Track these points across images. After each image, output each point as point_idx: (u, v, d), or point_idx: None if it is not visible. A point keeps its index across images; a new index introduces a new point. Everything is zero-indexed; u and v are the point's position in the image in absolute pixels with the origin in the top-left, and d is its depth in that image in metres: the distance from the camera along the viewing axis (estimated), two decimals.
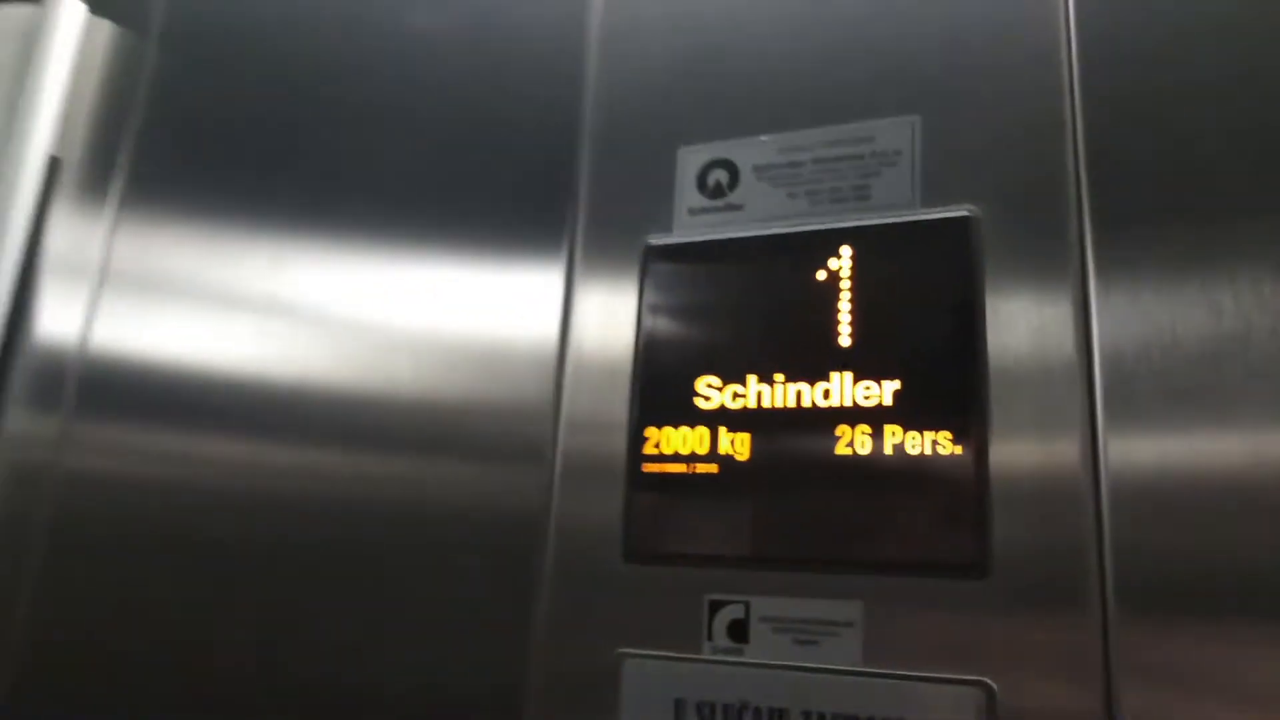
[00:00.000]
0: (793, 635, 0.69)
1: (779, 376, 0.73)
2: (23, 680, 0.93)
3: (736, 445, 0.73)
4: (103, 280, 1.03)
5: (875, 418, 0.70)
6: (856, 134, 0.77)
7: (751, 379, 0.74)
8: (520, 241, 0.88)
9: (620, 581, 0.75)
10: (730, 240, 0.79)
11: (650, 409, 0.77)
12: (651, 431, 0.76)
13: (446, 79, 0.96)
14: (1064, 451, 0.65)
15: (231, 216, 1.01)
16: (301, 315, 0.94)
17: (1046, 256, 0.69)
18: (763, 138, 0.80)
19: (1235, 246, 0.65)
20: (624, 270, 0.82)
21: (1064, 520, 0.64)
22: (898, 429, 0.69)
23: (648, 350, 0.79)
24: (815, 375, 0.72)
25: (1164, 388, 0.64)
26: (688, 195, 0.81)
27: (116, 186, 1.06)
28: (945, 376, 0.69)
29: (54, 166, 1.05)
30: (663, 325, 0.79)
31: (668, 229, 0.81)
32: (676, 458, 0.75)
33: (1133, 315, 0.66)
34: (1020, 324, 0.69)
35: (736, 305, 0.77)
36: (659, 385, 0.77)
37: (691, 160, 0.82)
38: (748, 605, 0.71)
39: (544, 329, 0.84)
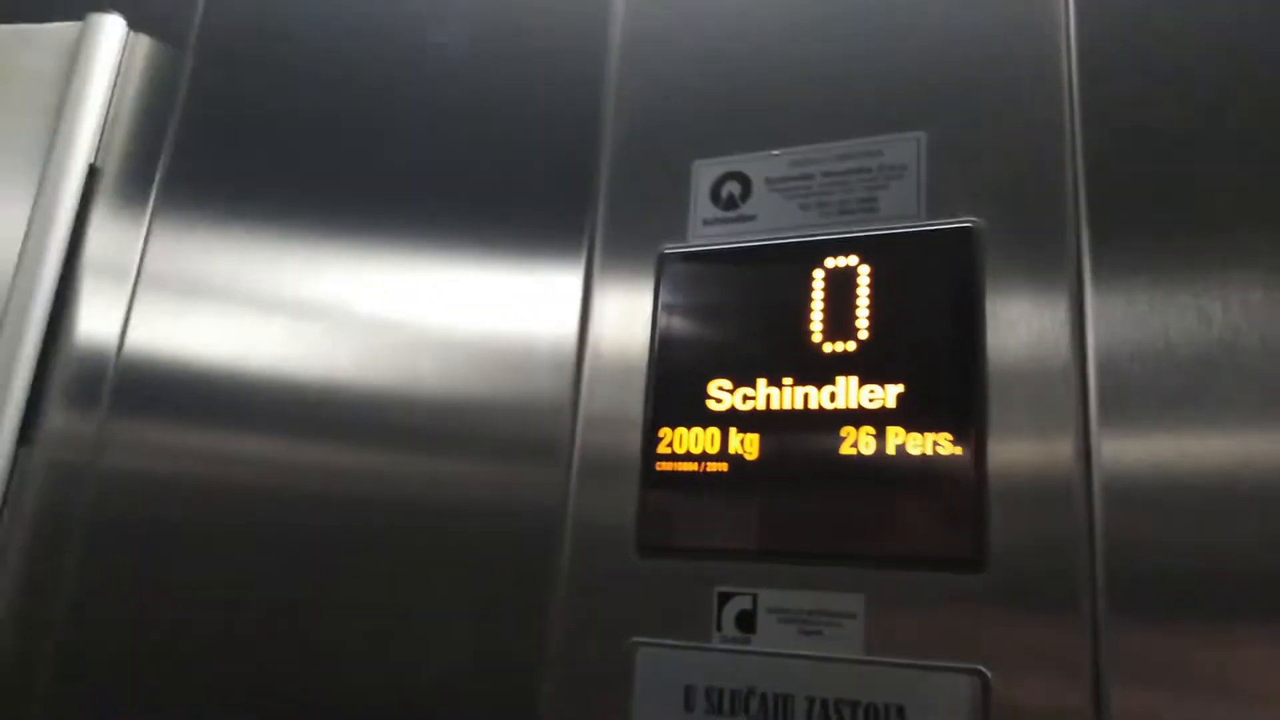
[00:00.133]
0: (798, 626, 0.71)
1: (787, 380, 0.76)
2: (65, 668, 0.95)
3: (746, 445, 0.76)
4: (139, 285, 1.06)
5: (879, 420, 0.72)
6: (865, 149, 0.80)
7: (761, 382, 0.77)
8: (541, 246, 0.90)
9: (634, 574, 0.77)
10: (742, 249, 0.81)
11: (664, 410, 0.80)
12: (665, 431, 0.79)
13: (472, 91, 0.98)
14: (1059, 451, 0.67)
15: (263, 222, 1.04)
16: (331, 316, 0.97)
17: (1045, 265, 0.72)
18: (774, 152, 0.83)
19: (1225, 257, 0.67)
20: (640, 274, 0.85)
21: (1058, 517, 0.66)
22: (900, 430, 0.71)
23: (662, 354, 0.81)
24: (822, 379, 0.75)
25: (1156, 391, 0.66)
26: (702, 206, 0.84)
27: (153, 194, 1.09)
28: (947, 381, 0.72)
29: (93, 175, 1.08)
30: (677, 330, 0.81)
31: (683, 238, 0.84)
32: (689, 457, 0.77)
33: (1127, 322, 0.68)
34: (1019, 329, 0.71)
35: (747, 311, 0.79)
36: (673, 387, 0.80)
37: (706, 173, 0.85)
38: (755, 597, 0.73)
39: (563, 330, 0.86)
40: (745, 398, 0.77)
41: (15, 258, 1.03)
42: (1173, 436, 0.65)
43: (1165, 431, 0.66)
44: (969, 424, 0.70)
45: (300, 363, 0.96)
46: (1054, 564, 0.66)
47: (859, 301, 0.76)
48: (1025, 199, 0.74)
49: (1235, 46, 0.71)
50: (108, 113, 1.10)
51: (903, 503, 0.70)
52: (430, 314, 0.93)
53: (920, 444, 0.71)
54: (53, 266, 1.03)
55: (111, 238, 1.08)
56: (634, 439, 0.80)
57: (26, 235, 1.03)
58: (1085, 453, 0.67)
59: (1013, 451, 0.69)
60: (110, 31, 1.11)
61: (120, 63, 1.12)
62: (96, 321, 1.05)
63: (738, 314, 0.80)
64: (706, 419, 0.78)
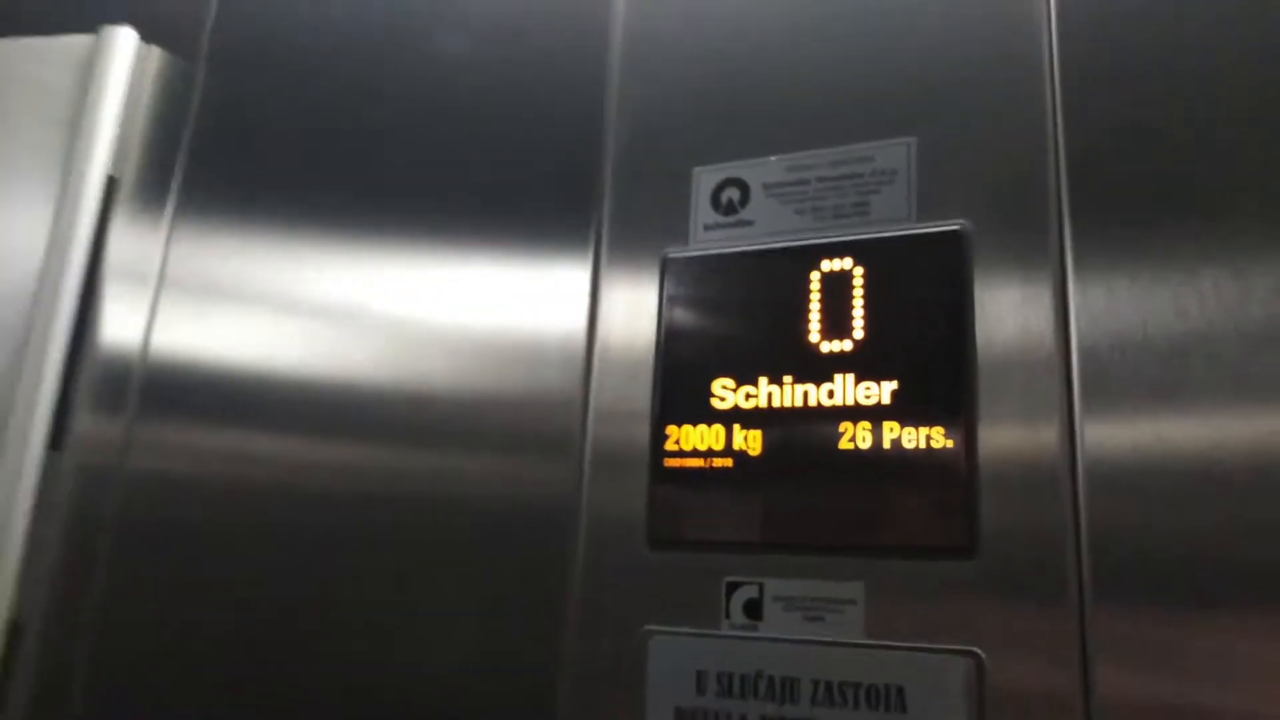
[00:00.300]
0: (802, 612, 0.74)
1: (787, 378, 0.79)
2: (96, 666, 0.97)
3: (749, 441, 0.79)
4: (160, 290, 1.08)
5: (875, 415, 0.75)
6: (857, 155, 0.83)
7: (763, 380, 0.79)
8: (548, 243, 0.92)
9: (646, 566, 0.80)
10: (742, 253, 0.84)
11: (670, 409, 0.82)
12: (672, 429, 0.81)
13: (476, 93, 1.00)
14: (1045, 439, 0.70)
15: (278, 226, 1.05)
16: (346, 316, 0.98)
17: (1030, 262, 0.74)
18: (772, 158, 0.86)
19: (1200, 252, 0.70)
20: (645, 272, 0.87)
21: (1045, 504, 0.69)
22: (895, 425, 0.74)
23: (667, 355, 0.84)
24: (820, 377, 0.78)
25: (1136, 380, 0.69)
26: (703, 212, 0.87)
27: (171, 201, 1.11)
28: (939, 377, 0.74)
29: (111, 185, 1.09)
30: (681, 332, 0.84)
31: (684, 242, 0.86)
32: (695, 453, 0.80)
33: (1108, 314, 0.71)
34: (1007, 323, 0.74)
35: (748, 313, 0.82)
36: (678, 387, 0.83)
37: (706, 179, 0.87)
38: (761, 586, 0.76)
39: (572, 325, 0.88)
40: (748, 396, 0.80)
41: (39, 268, 1.04)
42: (1152, 422, 0.68)
43: (1145, 417, 0.69)
44: (960, 417, 0.73)
45: (317, 362, 0.98)
46: (1042, 549, 0.69)
47: (854, 302, 0.78)
48: (1010, 200, 0.76)
49: (1211, 49, 0.74)
50: (123, 124, 1.11)
51: (898, 494, 0.73)
52: (442, 312, 0.94)
53: (914, 437, 0.74)
54: (76, 275, 1.04)
55: (132, 245, 1.09)
56: (642, 432, 0.83)
57: (49, 245, 1.05)
58: (1070, 438, 0.70)
59: (1001, 438, 0.72)
60: (123, 44, 1.12)
61: (133, 74, 1.12)
62: (120, 327, 1.07)
63: (739, 315, 0.82)
64: (711, 417, 0.80)
